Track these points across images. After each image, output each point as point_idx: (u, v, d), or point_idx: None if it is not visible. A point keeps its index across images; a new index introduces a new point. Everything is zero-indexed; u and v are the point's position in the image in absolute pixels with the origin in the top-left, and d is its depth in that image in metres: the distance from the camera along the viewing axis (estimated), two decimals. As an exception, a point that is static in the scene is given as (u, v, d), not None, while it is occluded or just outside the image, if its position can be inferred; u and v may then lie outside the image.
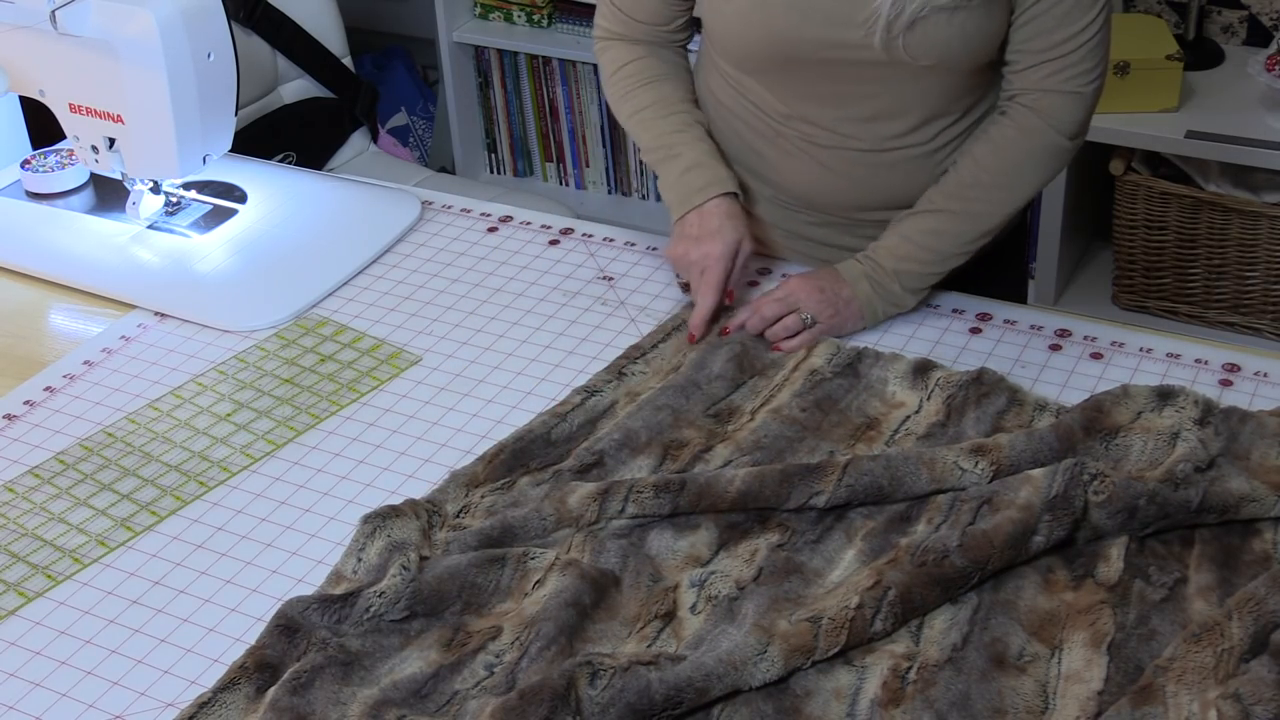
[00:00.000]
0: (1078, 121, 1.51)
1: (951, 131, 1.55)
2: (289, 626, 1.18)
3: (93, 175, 1.85)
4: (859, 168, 1.57)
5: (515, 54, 3.41)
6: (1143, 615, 1.18)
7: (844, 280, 1.53)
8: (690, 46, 1.71)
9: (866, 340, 1.53)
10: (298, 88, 2.71)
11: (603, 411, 1.44)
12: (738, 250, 1.54)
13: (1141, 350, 1.51)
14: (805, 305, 1.51)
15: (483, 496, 1.34)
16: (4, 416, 1.51)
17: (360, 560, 1.26)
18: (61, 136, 1.80)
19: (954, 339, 1.54)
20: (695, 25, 1.67)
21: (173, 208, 1.79)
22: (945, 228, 1.53)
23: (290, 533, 1.34)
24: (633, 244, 1.72)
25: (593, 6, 1.72)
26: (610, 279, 1.66)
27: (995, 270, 1.69)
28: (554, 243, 1.75)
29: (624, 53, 1.66)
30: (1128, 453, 1.32)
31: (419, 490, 1.37)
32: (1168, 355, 1.50)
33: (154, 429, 1.48)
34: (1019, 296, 1.74)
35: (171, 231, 1.77)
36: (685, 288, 1.58)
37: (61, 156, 1.85)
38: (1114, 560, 1.22)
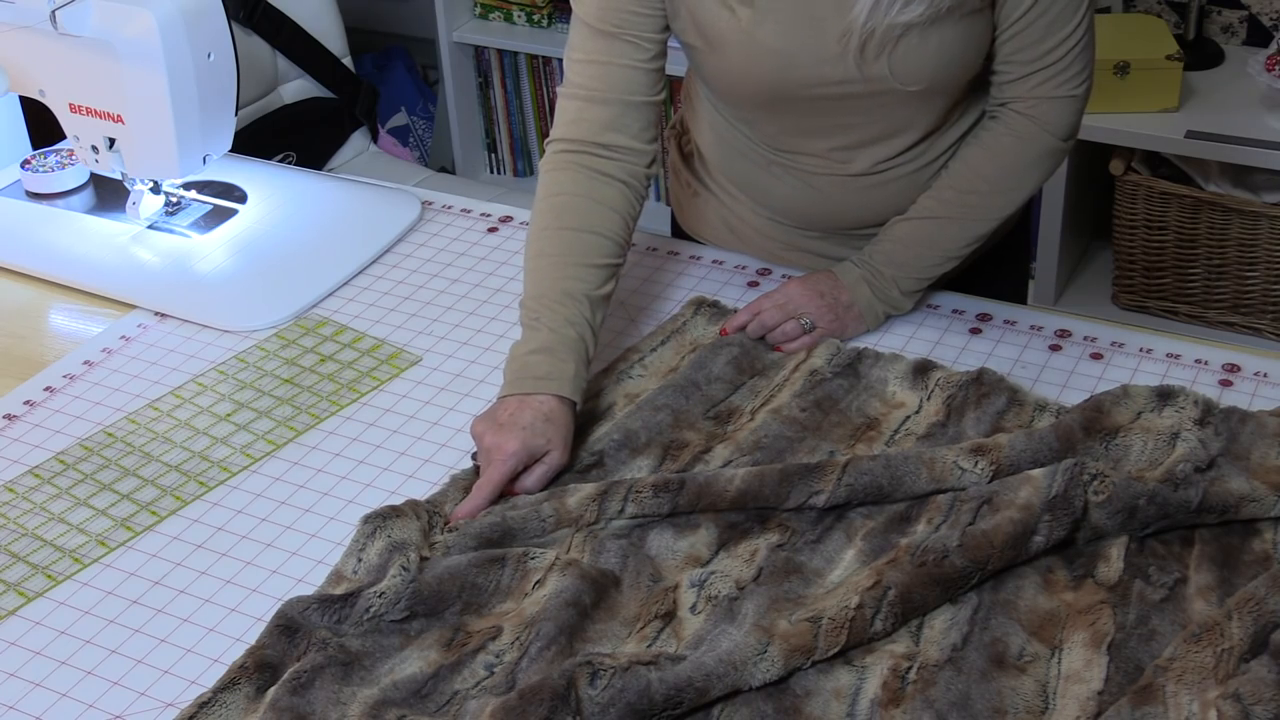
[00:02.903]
0: (1071, 124, 1.51)
1: (943, 143, 1.54)
2: (289, 626, 1.18)
3: (93, 175, 1.85)
4: (854, 191, 1.56)
5: (515, 54, 3.41)
6: (1143, 615, 1.18)
7: (843, 285, 1.53)
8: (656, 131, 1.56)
9: (866, 340, 1.53)
10: (298, 88, 2.71)
11: (601, 414, 1.44)
12: (537, 457, 1.34)
13: (1141, 350, 1.51)
14: (805, 310, 1.51)
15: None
16: (4, 416, 1.51)
17: (360, 560, 1.26)
18: (61, 136, 1.80)
19: (954, 339, 1.54)
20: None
21: (173, 208, 1.79)
22: (943, 234, 1.52)
23: (290, 533, 1.34)
24: (632, 244, 1.71)
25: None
26: (610, 279, 1.66)
27: (996, 270, 1.69)
28: (554, 243, 1.75)
29: (562, 181, 1.49)
30: (1128, 453, 1.32)
31: (419, 490, 1.37)
32: (1168, 355, 1.49)
33: (154, 429, 1.48)
34: (1019, 297, 1.74)
35: (171, 231, 1.77)
36: (478, 470, 1.36)
37: (61, 156, 1.85)
38: (1114, 560, 1.22)
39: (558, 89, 1.54)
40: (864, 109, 1.48)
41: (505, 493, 1.35)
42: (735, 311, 1.55)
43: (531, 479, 1.35)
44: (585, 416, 1.43)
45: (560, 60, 3.36)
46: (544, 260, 1.46)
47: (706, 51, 1.48)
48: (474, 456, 1.38)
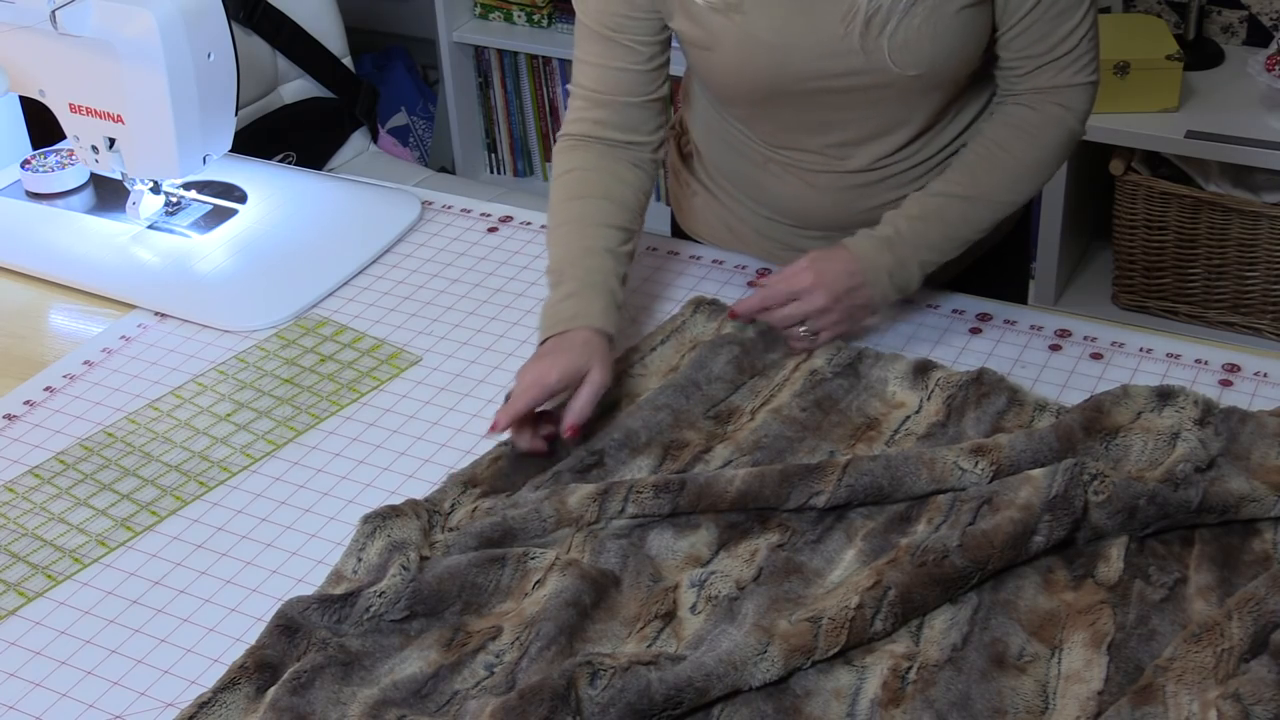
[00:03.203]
0: (1087, 110, 1.50)
1: (939, 141, 1.54)
2: (289, 626, 1.18)
3: (93, 175, 1.86)
4: (850, 189, 1.56)
5: (515, 54, 3.41)
6: (1143, 615, 1.18)
7: (864, 281, 1.47)
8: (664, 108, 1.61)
9: (866, 340, 1.53)
10: (298, 88, 2.71)
11: (601, 414, 1.44)
12: (579, 378, 1.39)
13: (1141, 350, 1.51)
14: (816, 319, 1.47)
15: (482, 496, 1.34)
16: (4, 416, 1.51)
17: (360, 560, 1.26)
18: (61, 136, 1.80)
19: (954, 339, 1.54)
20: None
21: (173, 208, 1.79)
22: (971, 214, 1.50)
23: (290, 533, 1.34)
24: (633, 244, 1.72)
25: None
26: (610, 279, 1.66)
27: (996, 270, 1.69)
28: (554, 243, 1.75)
29: (573, 158, 1.55)
30: (1128, 453, 1.32)
31: (419, 490, 1.37)
32: (1168, 355, 1.49)
33: (154, 429, 1.48)
34: (1020, 297, 1.74)
35: (171, 231, 1.77)
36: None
37: (61, 156, 1.85)
38: (1114, 560, 1.22)
39: (569, 85, 1.57)
40: (861, 103, 1.48)
41: (545, 443, 1.38)
42: (745, 296, 1.52)
43: (579, 402, 1.38)
44: (585, 416, 1.43)
45: (560, 60, 3.39)
46: (564, 229, 1.52)
47: (704, 49, 1.48)
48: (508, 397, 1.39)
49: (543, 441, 1.38)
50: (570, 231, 1.51)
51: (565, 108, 3.37)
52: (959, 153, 1.54)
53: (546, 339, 1.43)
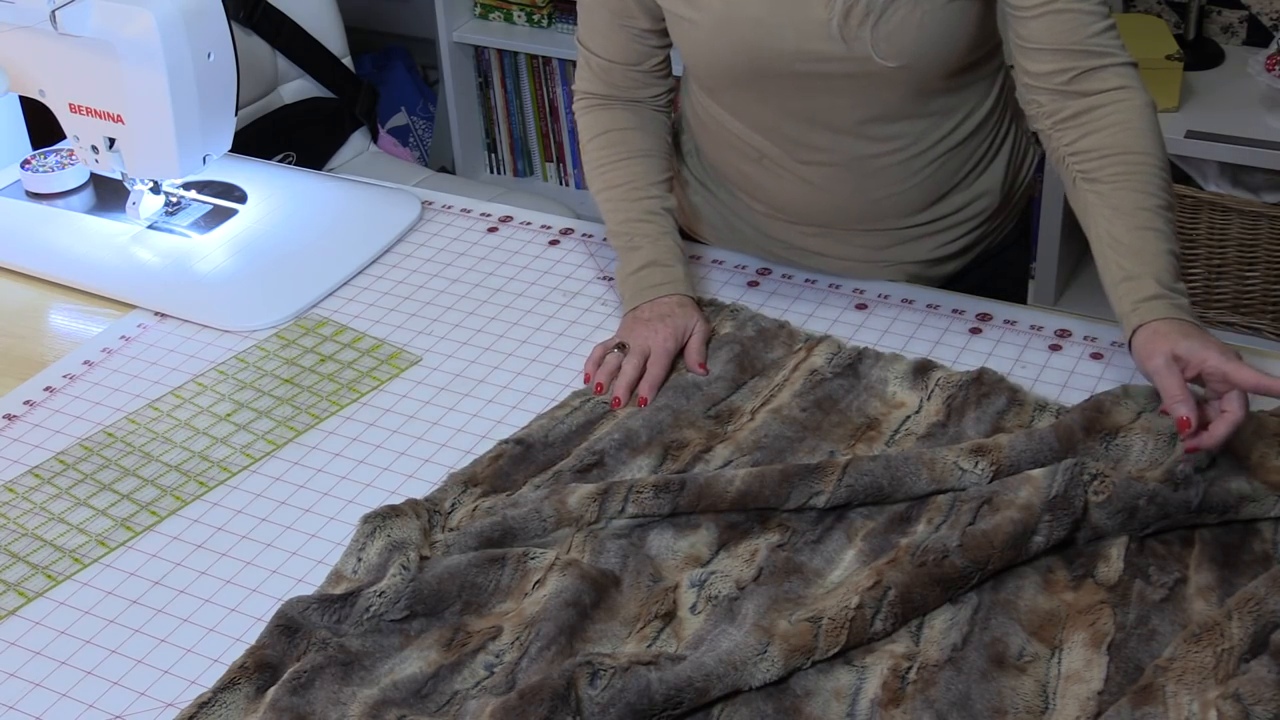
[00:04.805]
0: (1141, 81, 1.47)
1: (931, 136, 1.53)
2: (289, 626, 1.18)
3: (93, 175, 1.85)
4: (844, 182, 1.56)
5: (515, 54, 3.42)
6: (1143, 615, 1.18)
7: (1200, 331, 1.36)
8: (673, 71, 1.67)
9: (866, 340, 1.53)
10: (298, 88, 2.71)
11: (601, 415, 1.44)
12: (686, 338, 1.49)
13: (1141, 350, 1.50)
14: (1214, 381, 1.33)
15: (482, 496, 1.34)
16: (4, 416, 1.51)
17: (360, 560, 1.26)
18: (61, 136, 1.80)
19: (954, 339, 1.54)
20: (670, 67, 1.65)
21: (173, 208, 1.79)
22: (1167, 224, 1.43)
23: (290, 533, 1.34)
24: (633, 244, 1.72)
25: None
26: (610, 279, 1.66)
27: (996, 270, 1.69)
28: (554, 243, 1.75)
29: (602, 120, 1.63)
30: (1128, 453, 1.32)
31: (419, 490, 1.37)
32: (1168, 355, 1.49)
33: (154, 429, 1.48)
34: (1020, 297, 1.74)
35: (171, 231, 1.77)
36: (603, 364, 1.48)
37: (61, 156, 1.85)
38: (1114, 560, 1.22)
39: (576, 36, 1.64)
40: (846, 90, 1.47)
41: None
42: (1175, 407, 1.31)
43: (696, 350, 1.48)
44: (585, 416, 1.43)
45: (560, 60, 3.39)
46: (615, 191, 1.60)
47: (690, 23, 1.49)
48: (620, 348, 1.48)
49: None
50: (625, 193, 1.59)
51: (566, 105, 3.36)
52: (929, 166, 1.54)
53: (638, 306, 1.52)
